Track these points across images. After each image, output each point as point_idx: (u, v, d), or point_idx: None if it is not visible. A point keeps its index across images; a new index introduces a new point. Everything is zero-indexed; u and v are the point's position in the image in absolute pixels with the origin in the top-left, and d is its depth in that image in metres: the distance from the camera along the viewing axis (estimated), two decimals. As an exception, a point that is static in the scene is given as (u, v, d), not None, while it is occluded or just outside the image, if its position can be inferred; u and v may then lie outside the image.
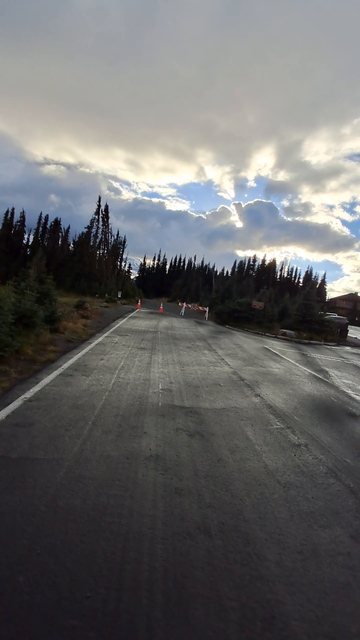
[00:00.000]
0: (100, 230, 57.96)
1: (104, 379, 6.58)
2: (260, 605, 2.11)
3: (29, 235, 58.48)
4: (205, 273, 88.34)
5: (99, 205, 57.72)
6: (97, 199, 57.40)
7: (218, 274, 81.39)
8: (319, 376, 10.21)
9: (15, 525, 2.51)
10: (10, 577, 2.08)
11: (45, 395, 5.28)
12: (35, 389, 5.53)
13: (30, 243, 58.14)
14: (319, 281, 73.65)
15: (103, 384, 6.25)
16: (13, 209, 56.38)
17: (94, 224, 57.29)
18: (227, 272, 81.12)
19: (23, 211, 57.50)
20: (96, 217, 57.29)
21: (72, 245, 59.96)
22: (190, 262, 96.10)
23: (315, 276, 77.53)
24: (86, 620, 1.89)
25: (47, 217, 60.58)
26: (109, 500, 2.94)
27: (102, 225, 58.36)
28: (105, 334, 12.82)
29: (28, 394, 5.23)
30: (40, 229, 59.76)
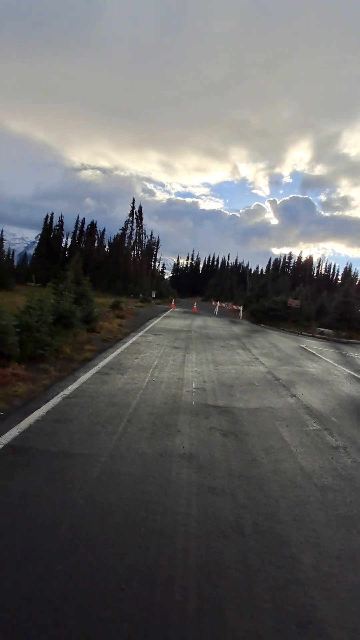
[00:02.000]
0: (134, 232, 58.94)
1: (138, 378, 6.70)
2: (295, 608, 2.07)
3: (67, 239, 60.49)
4: (239, 272, 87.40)
5: (133, 207, 58.67)
6: (131, 201, 58.45)
7: (252, 272, 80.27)
8: (359, 377, 9.81)
9: (55, 516, 2.61)
10: (49, 566, 2.17)
11: (83, 393, 5.46)
12: (73, 386, 5.73)
13: (68, 246, 60.06)
14: (360, 278, 70.60)
15: (138, 383, 6.36)
16: (52, 214, 58.40)
17: (129, 226, 58.34)
18: (262, 270, 79.71)
19: (61, 215, 59.55)
20: (130, 218, 58.32)
21: (107, 247, 61.36)
22: (224, 261, 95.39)
23: (355, 272, 74.31)
24: (120, 612, 1.94)
25: (83, 220, 62.36)
26: (143, 496, 2.99)
27: (136, 226, 59.30)
28: (140, 334, 13.01)
29: (67, 391, 5.42)
30: (78, 232, 61.58)
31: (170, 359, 8.89)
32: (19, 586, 2.01)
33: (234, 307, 37.60)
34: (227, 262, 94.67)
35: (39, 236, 58.84)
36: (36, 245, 59.63)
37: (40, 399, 5.01)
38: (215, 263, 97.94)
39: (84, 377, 6.31)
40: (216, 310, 35.18)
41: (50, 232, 57.70)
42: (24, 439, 3.73)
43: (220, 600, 2.09)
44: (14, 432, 3.84)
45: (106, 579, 2.14)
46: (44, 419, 4.31)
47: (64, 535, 2.44)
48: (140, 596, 2.04)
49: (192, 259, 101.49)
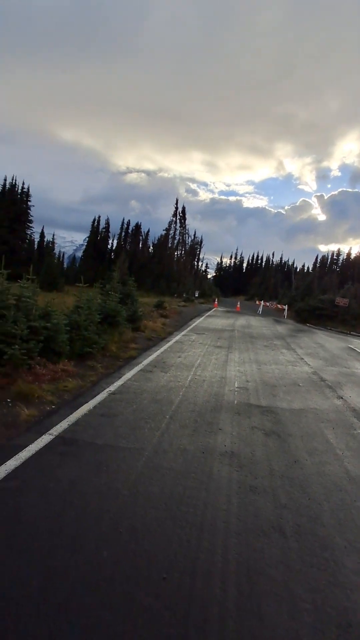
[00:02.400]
0: (177, 232, 59.39)
1: (181, 376, 6.79)
2: (336, 611, 2.03)
3: (112, 240, 62.21)
4: (284, 270, 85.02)
5: (177, 208, 59.15)
6: (175, 202, 58.90)
7: (298, 270, 77.71)
8: None
9: (101, 504, 2.75)
10: (96, 551, 2.30)
11: (127, 389, 5.65)
12: (119, 383, 5.94)
13: (114, 247, 61.82)
14: None
15: (180, 381, 6.46)
16: (99, 217, 60.39)
17: (172, 226, 58.90)
18: (308, 268, 76.92)
19: (107, 218, 61.35)
20: (174, 219, 58.83)
21: (151, 247, 62.39)
22: (268, 259, 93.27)
23: None
24: (162, 600, 2.02)
25: (128, 222, 63.87)
26: (184, 491, 3.06)
27: (180, 226, 59.71)
28: (183, 333, 13.14)
29: (112, 388, 5.64)
30: (123, 233, 63.22)
31: (212, 357, 8.91)
32: (69, 568, 2.15)
33: (279, 306, 36.72)
34: (272, 261, 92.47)
35: (87, 239, 61.05)
36: (84, 247, 61.99)
37: (87, 394, 5.26)
38: (259, 261, 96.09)
39: (129, 375, 6.51)
40: (260, 309, 34.56)
41: (98, 234, 59.71)
42: (73, 432, 3.95)
43: (259, 598, 2.10)
44: (64, 425, 4.08)
45: (149, 567, 2.23)
46: (91, 413, 4.52)
47: (109, 523, 2.57)
48: (181, 587, 2.11)
49: (235, 258, 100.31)
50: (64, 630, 1.77)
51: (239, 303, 38.08)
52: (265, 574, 2.27)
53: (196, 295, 43.75)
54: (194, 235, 71.57)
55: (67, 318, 7.46)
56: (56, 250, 56.42)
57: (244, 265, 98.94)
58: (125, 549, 2.35)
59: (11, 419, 4.14)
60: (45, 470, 3.13)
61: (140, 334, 11.19)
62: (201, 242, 67.45)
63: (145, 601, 2.00)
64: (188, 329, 14.55)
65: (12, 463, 3.16)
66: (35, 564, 2.14)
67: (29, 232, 48.45)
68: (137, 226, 63.37)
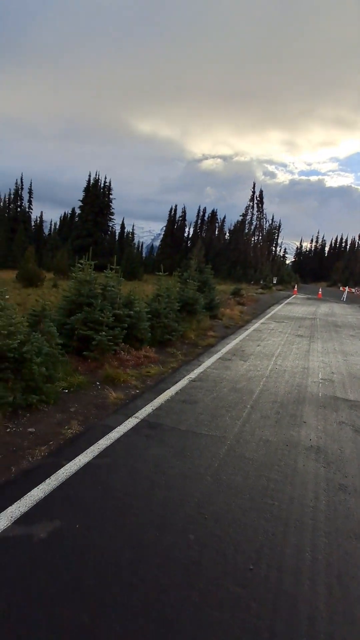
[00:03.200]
0: (254, 217, 57.63)
1: (261, 365, 6.64)
2: None
3: (189, 229, 62.72)
4: (373, 253, 77.60)
5: (254, 192, 57.26)
6: (252, 186, 56.98)
7: (390, 252, 70.41)
8: None
9: (185, 488, 2.82)
10: (182, 533, 2.37)
11: (207, 377, 5.69)
12: (198, 370, 6.01)
13: (190, 235, 62.33)
14: None
15: (260, 370, 6.31)
16: (175, 206, 61.16)
17: (249, 211, 57.28)
18: None
19: (184, 207, 61.93)
20: (250, 204, 57.10)
21: (227, 234, 61.54)
22: (353, 242, 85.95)
23: None
24: (249, 590, 2.01)
25: (204, 210, 63.71)
26: (268, 483, 3.00)
27: (257, 211, 57.83)
28: (261, 321, 12.81)
29: (192, 375, 5.73)
30: (199, 221, 63.29)
31: (293, 347, 8.55)
32: (158, 545, 2.25)
33: (367, 292, 33.75)
34: (358, 243, 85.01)
35: (164, 228, 62.40)
36: (161, 236, 63.55)
37: (169, 380, 5.41)
38: (343, 245, 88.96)
39: (208, 362, 6.55)
40: (344, 296, 32.16)
41: (174, 223, 60.65)
42: (157, 416, 4.10)
43: (352, 602, 1.98)
44: (148, 409, 4.26)
45: (235, 556, 2.23)
46: (173, 399, 4.65)
47: (194, 507, 2.63)
48: (268, 580, 2.08)
49: (316, 242, 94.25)
50: (155, 606, 1.86)
51: (320, 289, 35.89)
52: (358, 579, 2.13)
53: (274, 281, 42.24)
54: (272, 219, 68.57)
55: (148, 306, 7.74)
56: (135, 240, 58.74)
57: (326, 249, 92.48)
58: (211, 535, 2.38)
59: (101, 401, 4.44)
60: (133, 451, 3.30)
61: (217, 322, 11.18)
62: (279, 226, 64.63)
63: (233, 589, 2.01)
64: (266, 316, 14.14)
65: (104, 442, 3.39)
66: (126, 538, 2.27)
67: (110, 224, 51.07)
68: (213, 213, 62.93)
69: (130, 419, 3.96)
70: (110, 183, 50.46)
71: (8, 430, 3.54)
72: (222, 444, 3.57)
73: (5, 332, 3.76)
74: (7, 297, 4.41)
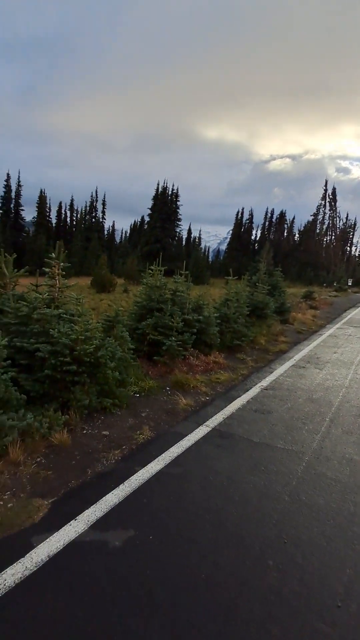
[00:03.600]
0: (327, 216, 54.69)
1: (339, 374, 6.14)
2: None
3: (256, 231, 61.50)
4: None
5: (326, 190, 54.42)
6: (324, 184, 54.18)
7: None
8: None
9: (261, 507, 2.64)
10: (260, 558, 2.20)
11: (280, 385, 5.40)
12: (270, 378, 5.74)
13: (257, 238, 61.05)
14: None
15: (339, 380, 5.84)
16: (242, 209, 60.82)
17: (320, 210, 54.54)
18: None
19: (251, 209, 60.92)
20: (322, 202, 54.34)
21: (297, 235, 59.19)
22: None
23: None
24: (337, 629, 1.78)
25: (272, 211, 61.98)
26: (355, 509, 2.69)
27: (329, 210, 54.82)
28: (337, 326, 11.98)
29: (264, 382, 5.48)
30: (266, 223, 61.74)
31: (376, 355, 7.81)
32: (234, 568, 2.11)
33: None
34: None
35: (230, 231, 61.91)
36: (228, 240, 63.11)
37: (239, 387, 5.23)
38: None
39: (280, 370, 6.24)
40: None
41: (241, 226, 59.88)
42: (228, 425, 3.96)
43: None
44: (219, 417, 4.13)
45: (320, 589, 2.01)
46: (244, 408, 4.47)
47: (272, 529, 2.44)
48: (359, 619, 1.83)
49: None
50: (232, 635, 1.73)
51: None
52: None
53: (349, 283, 39.56)
54: (346, 218, 64.34)
55: (217, 311, 7.63)
56: (202, 245, 59.09)
57: None
58: (292, 562, 2.18)
59: (171, 406, 4.42)
60: (205, 462, 3.20)
61: (289, 327, 10.69)
62: (354, 224, 60.47)
63: (319, 627, 1.80)
64: (342, 321, 13.20)
65: (175, 450, 3.34)
66: (201, 557, 2.17)
67: (177, 230, 52.04)
68: (282, 214, 60.95)
69: (201, 427, 3.87)
70: (177, 190, 51.59)
71: (84, 432, 3.66)
72: (299, 460, 3.31)
73: (82, 337, 3.91)
74: (83, 302, 4.60)
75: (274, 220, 61.64)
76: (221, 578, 2.03)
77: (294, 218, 61.23)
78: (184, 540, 2.28)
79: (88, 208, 53.80)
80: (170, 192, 51.17)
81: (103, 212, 54.59)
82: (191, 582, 1.99)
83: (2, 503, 2.53)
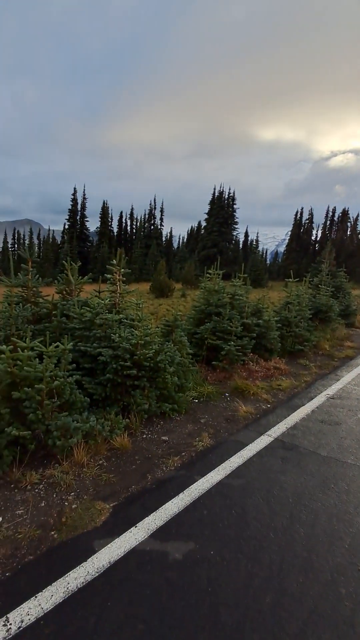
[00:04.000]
0: None
1: None
2: None
3: (316, 231, 58.81)
4: None
5: None
6: (393, 175, 50.33)
7: None
8: None
9: (332, 529, 2.43)
10: (331, 585, 2.01)
11: (349, 394, 5.01)
12: (337, 386, 5.36)
13: (318, 238, 58.33)
14: None
15: None
16: (302, 209, 58.24)
17: (390, 205, 50.64)
18: None
19: (311, 208, 58.68)
20: (392, 196, 50.43)
21: (362, 233, 55.49)
22: None
23: None
24: None
25: (334, 210, 58.84)
26: None
27: None
28: None
29: (330, 391, 5.13)
30: (328, 222, 58.79)
31: None
32: (301, 595, 1.94)
33: None
34: None
35: (289, 232, 59.86)
36: (286, 241, 61.09)
37: (303, 395, 4.95)
38: None
39: (348, 377, 5.80)
40: None
41: (300, 226, 57.66)
42: (292, 436, 3.74)
43: None
44: (281, 427, 3.92)
45: None
46: (309, 418, 4.20)
47: (343, 554, 2.22)
48: None
49: None
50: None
51: None
52: None
53: None
54: None
55: (277, 315, 7.34)
56: (259, 248, 57.88)
57: None
58: (369, 595, 1.96)
59: (230, 413, 4.29)
60: (268, 474, 3.03)
61: (355, 331, 9.99)
62: None
63: None
64: None
65: (236, 460, 3.21)
66: (266, 578, 2.03)
67: (234, 234, 51.47)
68: (344, 212, 57.60)
69: (262, 437, 3.69)
70: (234, 194, 51.09)
71: (144, 436, 3.67)
72: (375, 479, 3.01)
73: (142, 342, 3.95)
74: (142, 307, 4.65)
75: (335, 218, 58.53)
76: (288, 604, 1.88)
77: (357, 215, 57.25)
78: (247, 559, 2.15)
79: (147, 216, 55.36)
80: (226, 196, 50.88)
81: (161, 219, 55.79)
82: (256, 606, 1.86)
83: (67, 504, 2.60)
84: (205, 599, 1.88)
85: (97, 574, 1.99)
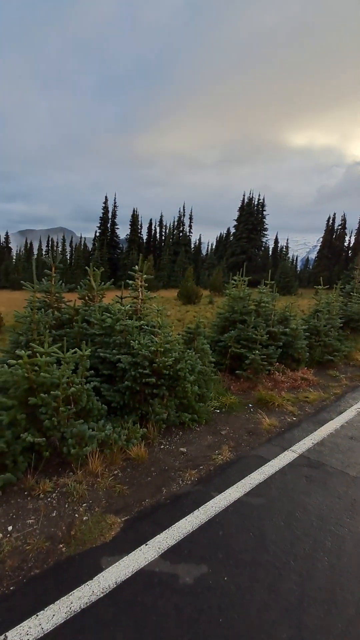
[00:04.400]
0: None
1: None
2: None
3: (350, 237, 57.03)
4: None
5: None
6: None
7: None
8: None
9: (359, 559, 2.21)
10: (355, 622, 1.80)
11: (382, 410, 4.69)
12: (369, 400, 5.04)
13: (351, 244, 56.54)
14: None
15: None
16: (334, 215, 56.69)
17: None
18: None
19: (344, 214, 56.84)
20: None
21: None
22: None
23: None
24: None
25: (369, 214, 56.97)
26: None
27: None
28: None
29: (361, 405, 4.83)
30: (362, 227, 56.80)
31: None
32: (322, 630, 1.75)
33: None
34: None
35: (321, 239, 58.41)
36: (318, 248, 59.62)
37: (332, 409, 4.68)
38: None
39: (382, 391, 5.46)
40: None
41: (332, 232, 56.12)
42: (318, 453, 3.50)
43: None
44: (307, 443, 3.70)
45: None
46: (338, 434, 3.94)
47: (374, 589, 2.00)
48: None
49: None
50: None
51: None
52: None
53: None
54: None
55: (305, 323, 7.06)
56: (289, 254, 56.81)
57: None
58: None
59: (253, 426, 4.10)
60: (291, 494, 2.83)
61: (391, 342, 9.45)
62: None
63: None
64: None
65: (256, 477, 3.03)
66: (284, 612, 1.85)
67: (264, 240, 50.83)
68: (381, 217, 55.58)
69: (286, 452, 3.49)
70: (264, 200, 50.57)
71: (162, 447, 3.56)
72: None
73: (161, 349, 3.85)
74: (168, 313, 4.57)
75: (371, 224, 56.48)
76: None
77: (395, 220, 55.10)
78: (264, 588, 1.98)
79: (176, 223, 55.80)
80: (255, 202, 50.41)
81: (190, 226, 56.04)
82: (272, 643, 1.70)
83: (77, 516, 2.52)
84: (215, 631, 1.74)
85: (102, 595, 1.89)
